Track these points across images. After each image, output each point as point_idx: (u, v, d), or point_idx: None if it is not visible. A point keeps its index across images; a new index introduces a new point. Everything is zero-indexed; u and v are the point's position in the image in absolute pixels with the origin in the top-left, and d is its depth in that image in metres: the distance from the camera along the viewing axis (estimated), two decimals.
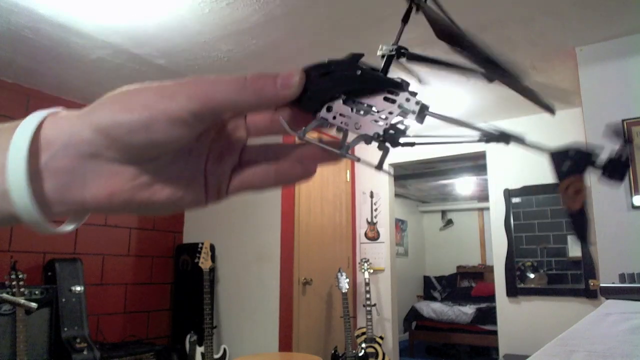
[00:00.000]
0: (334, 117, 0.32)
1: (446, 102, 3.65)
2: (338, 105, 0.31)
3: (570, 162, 0.32)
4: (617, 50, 2.67)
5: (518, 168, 3.89)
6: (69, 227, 0.31)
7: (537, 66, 3.03)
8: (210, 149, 0.33)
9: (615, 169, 0.30)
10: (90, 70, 3.07)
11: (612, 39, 2.67)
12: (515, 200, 3.87)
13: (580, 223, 0.32)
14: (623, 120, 2.55)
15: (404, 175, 6.18)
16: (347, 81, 0.31)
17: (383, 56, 0.33)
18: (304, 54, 2.86)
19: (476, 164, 5.26)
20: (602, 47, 2.71)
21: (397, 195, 7.25)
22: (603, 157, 0.31)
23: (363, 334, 3.97)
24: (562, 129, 3.75)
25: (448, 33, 0.35)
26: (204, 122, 0.29)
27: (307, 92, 0.30)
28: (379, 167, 0.33)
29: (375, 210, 4.63)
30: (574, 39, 2.69)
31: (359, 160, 0.34)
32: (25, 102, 3.32)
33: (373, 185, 4.70)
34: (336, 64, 0.31)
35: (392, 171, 4.83)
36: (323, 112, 0.31)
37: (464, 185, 6.93)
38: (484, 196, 6.68)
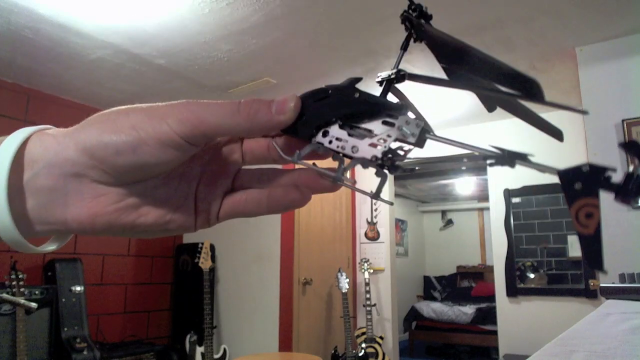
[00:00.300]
0: (330, 142, 0.30)
1: (446, 103, 3.65)
2: (334, 129, 0.30)
3: (582, 182, 0.31)
4: (617, 50, 2.67)
5: (518, 168, 3.87)
6: (50, 247, 0.30)
7: (537, 66, 3.03)
8: (202, 172, 0.32)
9: (631, 189, 0.29)
10: (90, 70, 3.07)
11: (612, 39, 2.67)
12: (515, 200, 3.87)
13: (593, 248, 0.30)
14: (623, 120, 2.55)
15: (404, 175, 6.18)
16: (343, 105, 0.30)
17: (382, 82, 0.33)
18: (304, 54, 2.86)
19: (476, 164, 5.26)
20: (602, 47, 2.71)
21: (397, 195, 7.25)
22: (617, 176, 0.30)
23: (363, 334, 3.97)
24: (562, 129, 3.74)
25: (452, 50, 0.34)
26: (195, 145, 0.28)
27: (302, 117, 0.30)
28: (376, 195, 0.32)
29: (375, 210, 4.63)
30: (574, 39, 2.69)
31: (354, 184, 0.34)
32: (25, 102, 3.32)
33: (373, 185, 4.68)
34: (334, 89, 0.30)
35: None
36: (319, 137, 0.30)
37: (464, 185, 6.93)
38: (484, 196, 6.68)
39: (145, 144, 0.26)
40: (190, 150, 0.28)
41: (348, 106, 0.30)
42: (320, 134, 0.30)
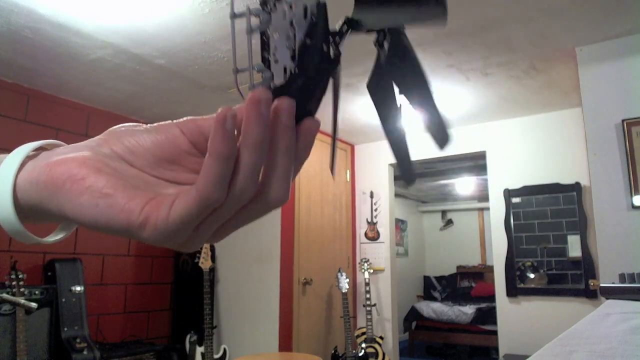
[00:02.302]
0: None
1: (446, 103, 3.66)
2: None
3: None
4: (617, 50, 2.67)
5: (518, 168, 3.89)
6: (57, 237, 0.31)
7: (537, 66, 3.03)
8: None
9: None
10: (90, 70, 3.07)
11: (612, 39, 2.67)
12: (515, 200, 3.87)
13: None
14: (623, 120, 2.55)
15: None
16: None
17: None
18: None
19: (476, 164, 5.26)
20: (602, 47, 2.71)
21: (397, 195, 7.25)
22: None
23: (363, 334, 3.97)
24: (562, 129, 3.75)
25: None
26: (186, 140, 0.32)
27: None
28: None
29: (375, 210, 4.63)
30: (574, 39, 2.69)
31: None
32: (25, 102, 3.32)
33: (373, 185, 4.70)
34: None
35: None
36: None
37: (464, 185, 6.93)
38: (484, 196, 6.68)
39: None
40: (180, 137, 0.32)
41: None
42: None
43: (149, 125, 0.30)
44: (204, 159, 0.27)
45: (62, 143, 0.31)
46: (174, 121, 0.30)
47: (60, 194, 0.27)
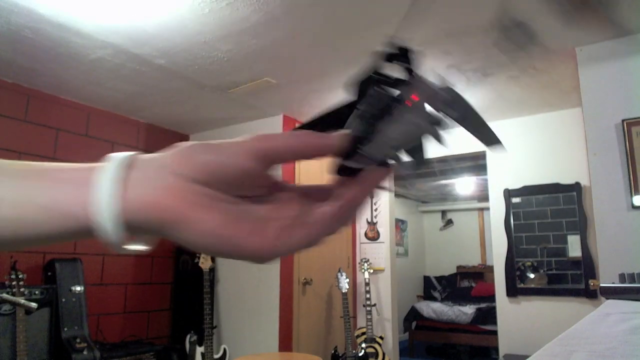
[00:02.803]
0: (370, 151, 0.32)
1: None
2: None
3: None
4: (617, 50, 2.67)
5: (518, 168, 3.89)
6: (137, 246, 0.32)
7: (537, 66, 3.03)
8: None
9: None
10: (90, 70, 3.07)
11: (612, 39, 2.67)
12: (515, 200, 3.87)
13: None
14: (623, 120, 2.55)
15: (404, 175, 6.17)
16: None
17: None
18: (304, 54, 2.86)
19: (476, 164, 5.26)
20: (602, 47, 2.71)
21: (397, 195, 7.25)
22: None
23: (363, 334, 3.97)
24: (562, 129, 3.75)
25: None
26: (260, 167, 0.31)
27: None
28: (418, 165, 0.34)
29: (375, 210, 4.63)
30: (574, 39, 2.69)
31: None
32: (25, 102, 3.32)
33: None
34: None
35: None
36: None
37: (464, 185, 6.93)
38: (484, 196, 6.68)
39: (228, 148, 0.31)
40: (257, 167, 0.32)
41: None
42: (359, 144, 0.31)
43: (214, 142, 0.31)
44: (268, 174, 0.31)
45: (139, 156, 0.31)
46: (241, 140, 0.30)
47: (171, 231, 0.29)
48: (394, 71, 0.33)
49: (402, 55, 0.32)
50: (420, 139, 0.32)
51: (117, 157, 0.30)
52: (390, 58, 0.33)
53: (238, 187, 0.31)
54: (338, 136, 0.31)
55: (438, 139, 0.32)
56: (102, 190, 0.28)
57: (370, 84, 0.32)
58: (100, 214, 0.28)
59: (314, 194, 0.33)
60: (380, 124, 0.31)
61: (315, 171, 4.27)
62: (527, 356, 0.56)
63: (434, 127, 0.31)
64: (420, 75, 0.32)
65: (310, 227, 0.32)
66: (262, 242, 0.30)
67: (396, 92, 0.32)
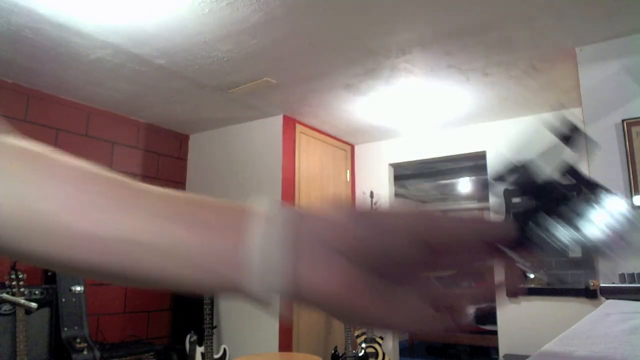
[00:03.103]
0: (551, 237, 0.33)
1: (446, 103, 3.65)
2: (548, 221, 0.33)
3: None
4: (617, 50, 2.67)
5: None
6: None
7: (537, 66, 3.03)
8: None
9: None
10: (90, 70, 3.07)
11: (612, 39, 2.67)
12: (515, 200, 3.87)
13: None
14: (623, 120, 2.55)
15: (404, 175, 6.18)
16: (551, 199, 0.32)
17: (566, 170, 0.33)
18: (304, 54, 2.86)
19: (476, 164, 5.26)
20: (602, 47, 2.71)
21: (397, 195, 7.25)
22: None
23: (363, 333, 3.97)
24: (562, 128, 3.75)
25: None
26: (427, 253, 0.31)
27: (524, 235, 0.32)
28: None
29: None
30: (574, 39, 2.69)
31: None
32: (25, 102, 3.32)
33: (373, 185, 4.69)
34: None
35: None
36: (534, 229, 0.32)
37: (464, 185, 6.93)
38: (484, 196, 6.67)
39: (395, 235, 0.29)
40: (422, 252, 0.31)
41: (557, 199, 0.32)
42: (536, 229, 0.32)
43: (375, 214, 0.30)
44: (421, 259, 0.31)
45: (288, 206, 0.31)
46: (402, 215, 0.29)
47: (331, 311, 0.30)
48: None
49: (572, 137, 0.33)
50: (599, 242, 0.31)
51: (272, 215, 0.28)
52: (564, 138, 0.33)
53: (388, 266, 0.30)
54: (509, 227, 0.31)
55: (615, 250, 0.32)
56: (263, 258, 0.27)
57: (559, 178, 0.32)
58: (258, 284, 0.28)
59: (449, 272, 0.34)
60: (564, 219, 0.31)
61: (315, 181, 4.27)
62: (527, 356, 0.56)
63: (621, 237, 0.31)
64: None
65: (453, 309, 0.33)
66: (409, 321, 0.31)
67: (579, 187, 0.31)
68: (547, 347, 0.61)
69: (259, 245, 0.27)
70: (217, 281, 0.28)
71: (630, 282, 1.13)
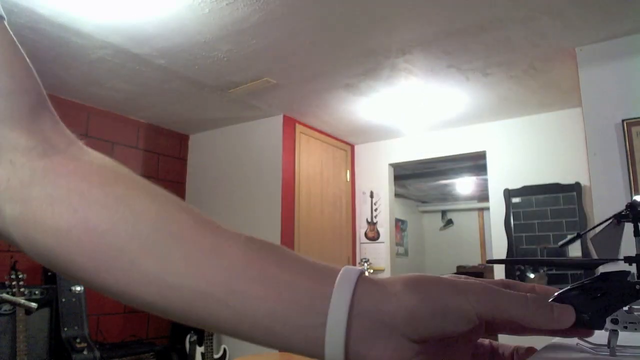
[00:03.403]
0: (625, 327, 0.34)
1: (446, 103, 3.65)
2: (622, 314, 0.34)
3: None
4: (617, 50, 2.67)
5: (518, 168, 3.89)
6: None
7: (537, 66, 3.03)
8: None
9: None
10: (90, 70, 3.07)
11: (612, 39, 2.67)
12: (515, 200, 3.87)
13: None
14: (623, 120, 2.55)
15: (404, 175, 6.18)
16: (628, 297, 0.33)
17: None
18: (304, 54, 2.86)
19: (476, 164, 5.26)
20: (602, 47, 2.71)
21: (397, 195, 7.25)
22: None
23: None
24: (562, 129, 3.75)
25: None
26: (481, 323, 0.32)
27: (583, 314, 0.33)
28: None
29: (375, 210, 4.63)
30: (574, 39, 2.69)
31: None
32: None
33: (373, 185, 4.69)
34: (607, 284, 0.34)
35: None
36: (609, 324, 0.34)
37: (464, 185, 6.93)
38: (484, 196, 6.68)
39: (452, 314, 0.30)
40: (476, 325, 0.31)
41: (632, 297, 0.33)
42: (610, 321, 0.34)
43: (439, 298, 0.30)
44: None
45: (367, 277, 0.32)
46: (468, 296, 0.30)
47: None
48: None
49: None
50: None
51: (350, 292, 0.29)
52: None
53: (444, 338, 0.31)
54: (569, 313, 0.32)
55: None
56: (334, 343, 0.29)
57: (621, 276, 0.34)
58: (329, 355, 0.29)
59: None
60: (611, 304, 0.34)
61: (315, 181, 4.26)
62: None
63: None
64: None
65: None
66: None
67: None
68: (547, 346, 0.61)
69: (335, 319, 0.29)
70: (293, 342, 0.30)
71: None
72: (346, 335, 0.29)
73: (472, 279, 0.33)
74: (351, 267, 0.31)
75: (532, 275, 3.73)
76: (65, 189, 0.31)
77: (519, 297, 0.31)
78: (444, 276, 0.32)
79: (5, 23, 0.34)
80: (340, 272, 0.31)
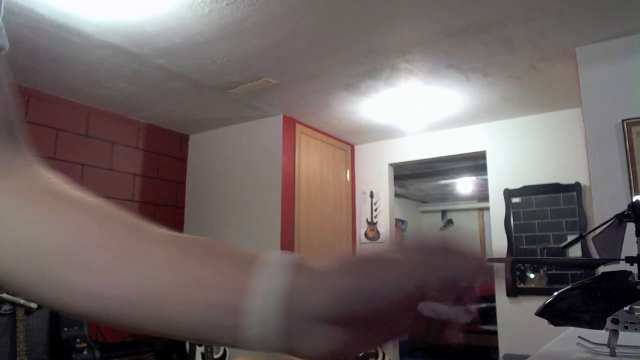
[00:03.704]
0: (626, 327, 0.35)
1: (446, 103, 3.65)
2: (623, 314, 0.35)
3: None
4: (617, 50, 2.67)
5: (518, 168, 3.89)
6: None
7: (537, 66, 3.03)
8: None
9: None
10: (90, 70, 3.07)
11: (612, 39, 2.67)
12: (515, 200, 3.87)
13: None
14: (623, 120, 2.55)
15: (404, 175, 6.18)
16: (629, 297, 0.34)
17: None
18: (304, 54, 2.86)
19: (476, 164, 5.26)
20: (602, 47, 2.71)
21: (397, 195, 7.25)
22: None
23: None
24: (562, 129, 3.75)
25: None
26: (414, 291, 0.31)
27: (584, 313, 0.33)
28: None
29: (375, 210, 4.63)
30: (574, 39, 2.69)
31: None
32: (25, 102, 3.32)
33: (373, 185, 4.69)
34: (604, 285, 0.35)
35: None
36: (609, 324, 0.34)
37: (464, 185, 6.93)
38: (484, 196, 6.67)
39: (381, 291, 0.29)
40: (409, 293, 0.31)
41: (633, 297, 0.34)
42: (610, 321, 0.34)
43: (372, 282, 0.29)
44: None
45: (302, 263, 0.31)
46: (402, 265, 0.30)
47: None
48: None
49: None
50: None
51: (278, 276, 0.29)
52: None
53: (380, 313, 0.30)
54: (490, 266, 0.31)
55: None
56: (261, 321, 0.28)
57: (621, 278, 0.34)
58: (255, 342, 0.29)
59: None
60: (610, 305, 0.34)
61: (315, 181, 4.26)
62: (527, 356, 0.56)
63: None
64: None
65: None
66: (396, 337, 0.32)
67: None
68: (547, 347, 0.61)
69: (259, 306, 0.28)
70: (214, 322, 0.29)
71: None
72: (275, 332, 0.28)
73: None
74: (273, 254, 0.31)
75: (532, 275, 3.73)
76: (4, 208, 0.32)
77: (461, 259, 0.30)
78: (374, 250, 0.31)
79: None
80: (261, 264, 0.30)
